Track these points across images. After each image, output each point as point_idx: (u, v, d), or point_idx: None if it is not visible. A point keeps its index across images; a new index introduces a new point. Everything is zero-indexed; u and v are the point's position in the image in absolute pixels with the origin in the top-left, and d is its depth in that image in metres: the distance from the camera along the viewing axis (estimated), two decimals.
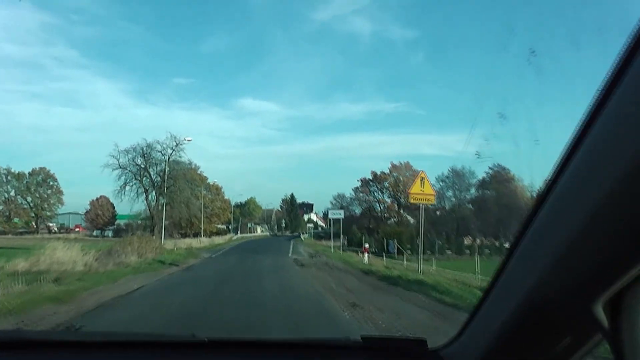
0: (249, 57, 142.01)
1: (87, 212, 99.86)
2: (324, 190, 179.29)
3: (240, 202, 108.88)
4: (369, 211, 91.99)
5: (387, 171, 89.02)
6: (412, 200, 20.22)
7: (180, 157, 46.24)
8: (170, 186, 46.61)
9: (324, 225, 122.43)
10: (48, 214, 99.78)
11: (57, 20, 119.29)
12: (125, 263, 22.83)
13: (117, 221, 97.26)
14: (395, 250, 45.71)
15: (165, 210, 52.64)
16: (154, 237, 44.14)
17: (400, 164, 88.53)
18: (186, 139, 45.87)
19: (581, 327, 1.23)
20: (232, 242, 64.19)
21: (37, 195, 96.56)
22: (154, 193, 47.12)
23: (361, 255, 41.57)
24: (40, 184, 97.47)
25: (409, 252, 47.23)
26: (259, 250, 42.49)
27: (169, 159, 46.00)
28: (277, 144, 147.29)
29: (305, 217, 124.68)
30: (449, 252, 50.14)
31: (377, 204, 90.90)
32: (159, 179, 46.44)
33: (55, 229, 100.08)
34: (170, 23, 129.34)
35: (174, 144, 45.69)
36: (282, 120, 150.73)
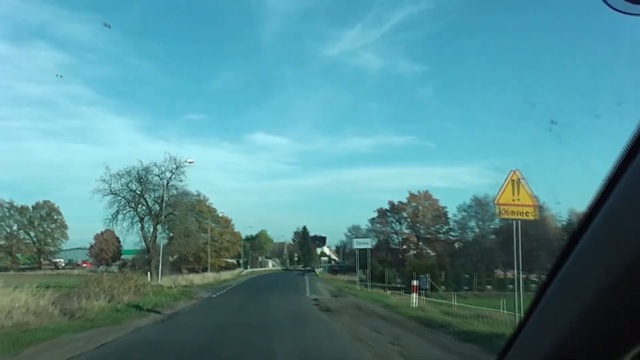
0: (259, 92, 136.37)
1: (91, 246, 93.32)
2: (335, 223, 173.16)
3: (251, 235, 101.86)
4: (387, 243, 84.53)
5: (404, 201, 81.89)
6: (502, 215, 13.14)
7: (180, 180, 39.76)
8: (169, 215, 39.82)
9: (337, 259, 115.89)
10: (52, 249, 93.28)
11: (72, 59, 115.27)
12: (84, 310, 15.87)
13: (123, 256, 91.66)
14: (429, 287, 38.24)
15: (165, 241, 45.57)
16: (149, 273, 37.31)
17: (419, 193, 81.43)
18: (187, 160, 39.39)
19: None
20: (240, 277, 56.73)
21: (41, 229, 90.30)
22: (151, 223, 40.27)
23: (389, 292, 34.27)
24: (44, 218, 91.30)
25: (443, 288, 39.77)
26: (271, 287, 35.22)
27: (167, 183, 39.45)
28: (287, 177, 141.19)
29: (318, 250, 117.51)
30: (489, 287, 42.49)
31: (395, 236, 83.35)
32: (157, 207, 39.79)
33: (63, 264, 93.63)
34: (181, 60, 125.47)
35: (174, 166, 39.23)
36: (293, 154, 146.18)
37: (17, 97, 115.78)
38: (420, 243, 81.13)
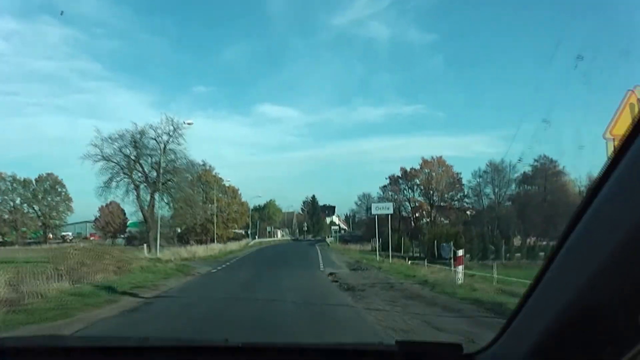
0: (268, 64, 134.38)
1: (96, 219, 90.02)
2: (344, 193, 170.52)
3: (259, 206, 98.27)
4: (399, 211, 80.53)
5: (417, 167, 77.51)
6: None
7: (179, 143, 35.54)
8: (167, 182, 35.76)
9: (347, 228, 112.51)
10: (57, 222, 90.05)
11: (80, 35, 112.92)
12: (36, 295, 11.98)
13: (129, 228, 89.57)
14: (452, 256, 34.28)
15: (171, 212, 41.56)
16: (145, 245, 33.62)
17: (432, 159, 76.91)
18: (186, 122, 35.14)
19: (626, 335, 1.15)
20: (247, 248, 52.91)
21: (45, 203, 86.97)
22: (148, 190, 36.20)
23: (409, 262, 30.28)
24: (48, 191, 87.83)
25: (468, 257, 35.74)
26: (279, 259, 31.28)
27: (165, 147, 35.27)
28: (297, 149, 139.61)
29: (327, 220, 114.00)
30: (517, 255, 38.38)
31: (408, 203, 79.22)
32: (155, 173, 35.71)
33: (71, 237, 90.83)
34: (189, 33, 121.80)
35: (171, 128, 35.01)
36: (302, 126, 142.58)
37: (27, 73, 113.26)
38: (433, 211, 77.12)
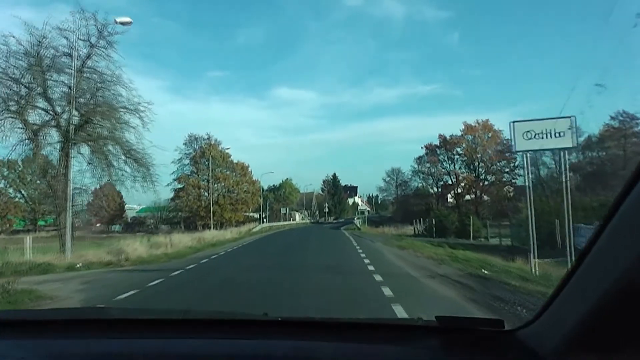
0: (282, 46, 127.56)
1: (89, 203, 74.26)
2: (363, 176, 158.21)
3: (274, 186, 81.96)
4: (436, 186, 63.21)
5: (459, 134, 59.74)
6: None
7: (109, 58, 18.88)
8: (85, 123, 19.11)
9: (369, 209, 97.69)
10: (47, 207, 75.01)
11: None
12: None
13: (137, 214, 76.87)
14: None
15: (170, 194, 23.62)
16: (28, 238, 17.18)
17: (477, 123, 59.08)
18: (118, 20, 18.48)
19: None
20: (247, 236, 35.81)
21: (33, 187, 72.67)
22: (58, 142, 19.62)
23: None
24: (36, 174, 72.62)
25: None
26: (285, 267, 14.43)
27: (83, 64, 18.71)
28: (313, 132, 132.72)
29: (350, 201, 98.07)
30: None
31: (448, 177, 61.68)
32: (76, 114, 19.27)
33: (80, 224, 75.83)
34: (203, 17, 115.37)
35: (95, 32, 18.45)
36: (318, 107, 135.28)
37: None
38: (473, 187, 59.48)
